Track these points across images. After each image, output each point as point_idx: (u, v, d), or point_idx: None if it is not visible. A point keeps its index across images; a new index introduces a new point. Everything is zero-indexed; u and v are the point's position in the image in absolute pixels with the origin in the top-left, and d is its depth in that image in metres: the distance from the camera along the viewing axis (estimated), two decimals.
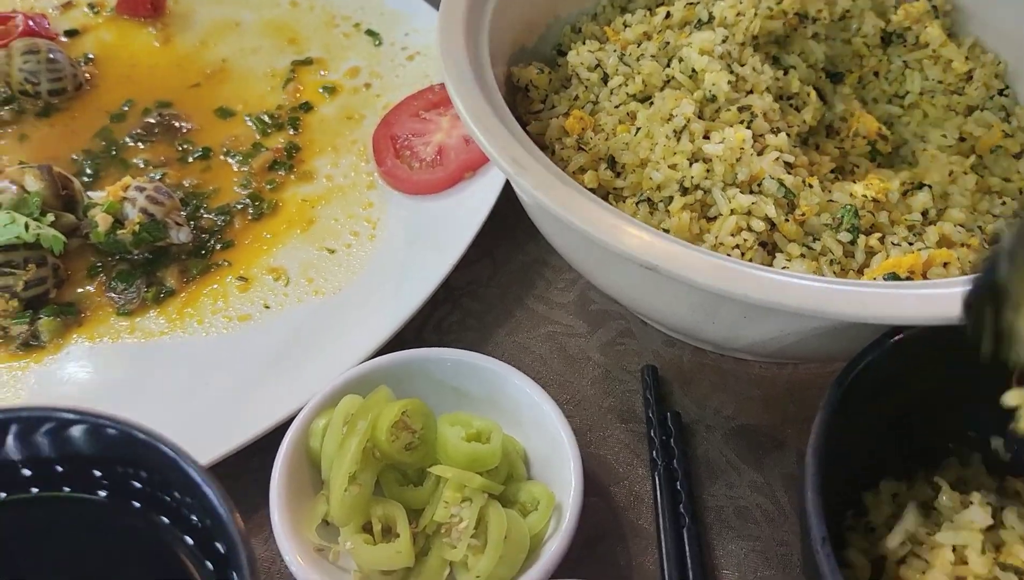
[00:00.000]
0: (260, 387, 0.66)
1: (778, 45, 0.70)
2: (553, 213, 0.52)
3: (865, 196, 0.59)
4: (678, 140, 0.62)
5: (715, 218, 0.60)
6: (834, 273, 0.57)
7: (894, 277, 0.54)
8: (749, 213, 0.58)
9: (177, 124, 0.88)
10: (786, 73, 0.68)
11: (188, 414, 0.64)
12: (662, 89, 0.67)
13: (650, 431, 0.66)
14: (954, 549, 0.50)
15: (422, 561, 0.55)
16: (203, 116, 0.89)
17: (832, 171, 0.66)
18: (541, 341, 0.73)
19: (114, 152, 0.85)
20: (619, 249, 0.50)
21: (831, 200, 0.60)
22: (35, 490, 0.41)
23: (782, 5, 0.67)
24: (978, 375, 0.55)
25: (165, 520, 0.41)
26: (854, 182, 0.62)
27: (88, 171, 0.83)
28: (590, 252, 0.59)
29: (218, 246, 0.78)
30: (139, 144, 0.86)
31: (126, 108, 0.89)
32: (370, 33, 0.97)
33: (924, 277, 0.56)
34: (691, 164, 0.60)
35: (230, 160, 0.85)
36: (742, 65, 0.66)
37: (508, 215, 0.76)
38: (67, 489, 0.41)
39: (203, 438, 0.59)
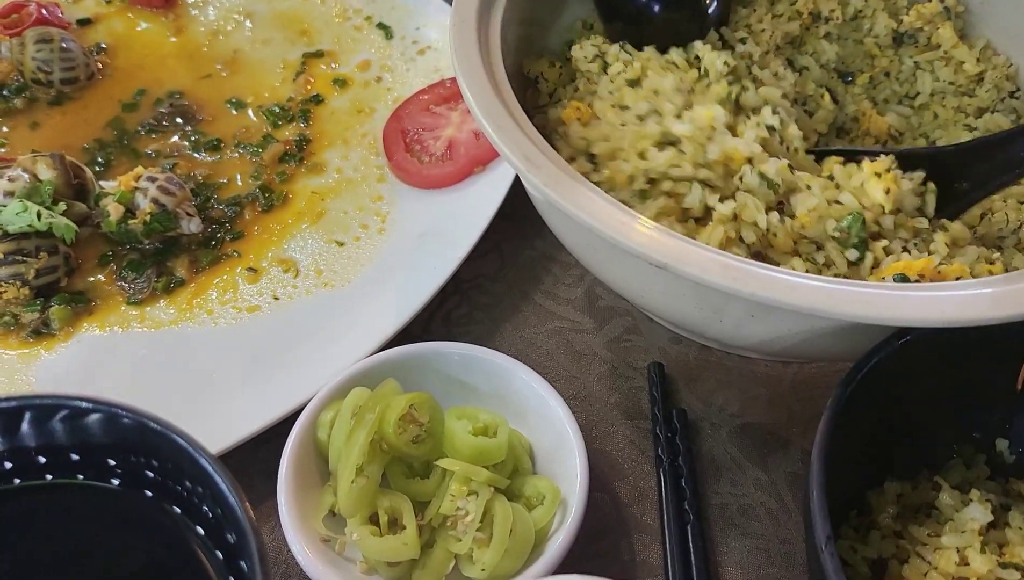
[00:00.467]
0: (268, 378, 0.67)
1: (792, 46, 0.70)
2: (562, 209, 0.52)
3: (878, 203, 0.56)
4: (645, 122, 0.59)
5: (697, 221, 0.57)
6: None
7: (903, 278, 0.54)
8: (736, 219, 0.56)
9: (188, 115, 0.88)
10: (800, 74, 0.67)
11: (196, 404, 0.65)
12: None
13: (655, 428, 0.66)
14: (958, 551, 0.50)
15: (427, 553, 0.55)
16: (214, 107, 0.89)
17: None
18: (548, 336, 0.74)
19: (126, 142, 0.86)
20: (628, 246, 0.50)
21: (837, 200, 0.57)
22: (49, 477, 0.41)
23: (796, 5, 0.67)
24: (984, 378, 0.55)
25: (176, 510, 0.41)
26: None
27: (100, 160, 0.83)
28: (598, 249, 0.59)
29: (228, 237, 0.78)
30: (151, 134, 0.86)
31: (138, 98, 0.90)
32: (381, 27, 0.97)
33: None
34: (660, 149, 0.58)
35: (241, 151, 0.85)
36: (762, 69, 0.65)
37: (517, 210, 0.76)
38: (81, 477, 0.41)
39: (211, 428, 0.60)
